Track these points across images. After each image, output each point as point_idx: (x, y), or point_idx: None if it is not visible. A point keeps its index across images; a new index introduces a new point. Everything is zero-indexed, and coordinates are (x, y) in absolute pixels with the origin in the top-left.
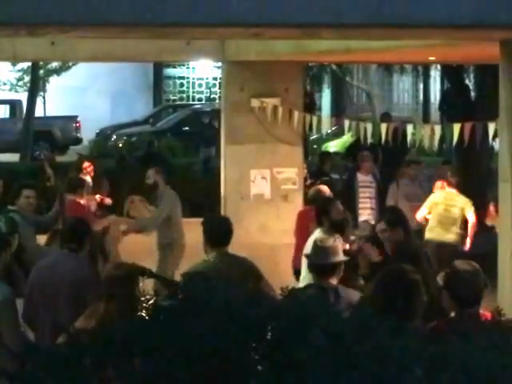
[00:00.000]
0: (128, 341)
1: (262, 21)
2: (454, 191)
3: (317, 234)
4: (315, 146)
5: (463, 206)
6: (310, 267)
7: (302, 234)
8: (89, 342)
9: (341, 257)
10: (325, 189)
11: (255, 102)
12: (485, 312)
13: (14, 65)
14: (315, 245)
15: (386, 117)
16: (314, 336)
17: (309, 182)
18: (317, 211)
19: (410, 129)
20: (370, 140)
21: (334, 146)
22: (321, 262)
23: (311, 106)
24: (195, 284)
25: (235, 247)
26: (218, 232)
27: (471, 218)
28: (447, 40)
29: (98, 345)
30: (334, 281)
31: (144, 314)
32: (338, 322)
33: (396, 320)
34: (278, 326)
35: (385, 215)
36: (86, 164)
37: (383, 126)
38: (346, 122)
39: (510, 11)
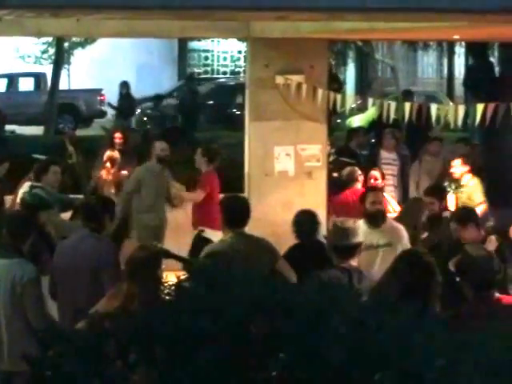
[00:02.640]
0: (151, 327)
1: (287, 4)
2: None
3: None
4: (339, 121)
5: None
6: (332, 248)
7: None
8: (112, 328)
9: (360, 238)
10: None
11: (280, 79)
12: (506, 296)
13: (38, 37)
14: (335, 226)
15: (407, 94)
16: (336, 323)
17: (331, 158)
18: (359, 199)
19: (433, 107)
20: (393, 117)
21: (358, 121)
22: (343, 243)
23: (336, 85)
24: (218, 268)
25: (259, 224)
26: (236, 213)
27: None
28: (471, 23)
29: (121, 331)
30: (354, 262)
31: (167, 298)
32: (360, 308)
33: (415, 304)
34: (301, 313)
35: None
36: (117, 134)
37: (407, 105)
38: (370, 100)
39: None
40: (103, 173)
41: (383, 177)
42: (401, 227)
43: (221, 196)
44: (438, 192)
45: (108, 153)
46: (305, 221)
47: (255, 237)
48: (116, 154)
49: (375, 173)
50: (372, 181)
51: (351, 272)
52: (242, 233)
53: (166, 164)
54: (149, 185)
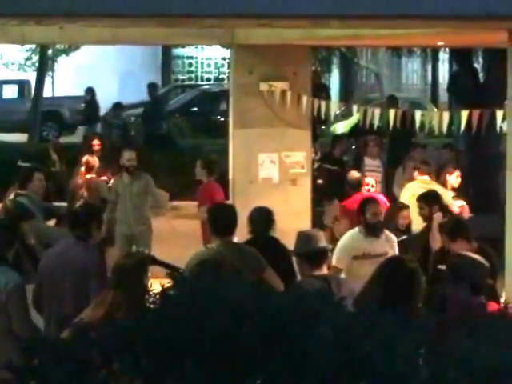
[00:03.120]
0: (135, 336)
1: (270, 11)
2: (427, 179)
3: (352, 232)
4: (323, 127)
5: None
6: (300, 257)
7: None
8: (96, 337)
9: (325, 243)
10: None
11: (264, 86)
12: (491, 302)
13: (22, 44)
14: (300, 234)
15: (391, 99)
16: (322, 332)
17: (316, 165)
18: (358, 208)
19: (418, 114)
20: (377, 124)
21: (342, 128)
22: (309, 248)
23: (324, 94)
24: (204, 276)
25: (244, 230)
26: (223, 221)
27: None
28: (455, 29)
29: (106, 339)
30: (325, 269)
31: (152, 306)
32: (345, 316)
33: (400, 311)
34: (286, 321)
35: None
36: (95, 141)
37: (391, 111)
38: (354, 107)
39: None
40: (78, 177)
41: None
42: (393, 236)
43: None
44: (427, 198)
45: (85, 158)
46: (260, 217)
47: (242, 245)
48: (93, 159)
49: (370, 180)
50: (366, 188)
51: (329, 280)
52: (230, 241)
53: (132, 173)
54: (120, 196)
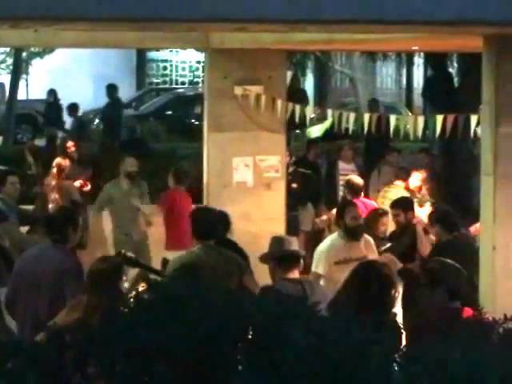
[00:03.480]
0: (109, 340)
1: (245, 16)
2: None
3: (332, 237)
4: (298, 131)
5: None
6: (273, 260)
7: None
8: (70, 341)
9: (297, 246)
10: (357, 181)
11: (238, 90)
12: (466, 308)
13: None
14: (273, 238)
15: (373, 103)
16: (297, 336)
17: (291, 169)
18: (336, 212)
19: (393, 119)
20: (352, 128)
21: (316, 132)
22: (282, 251)
23: (305, 101)
24: (178, 280)
25: None
26: (205, 224)
27: None
28: (431, 34)
29: (79, 343)
30: (297, 273)
31: (126, 310)
32: (319, 321)
33: (374, 316)
34: (259, 325)
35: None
36: (69, 143)
37: (366, 116)
38: (329, 111)
39: (493, 7)
40: (50, 179)
41: None
42: (371, 239)
43: None
44: (402, 204)
45: (57, 160)
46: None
47: (223, 249)
48: (65, 162)
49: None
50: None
51: (303, 283)
52: (210, 245)
53: (134, 180)
54: (117, 201)
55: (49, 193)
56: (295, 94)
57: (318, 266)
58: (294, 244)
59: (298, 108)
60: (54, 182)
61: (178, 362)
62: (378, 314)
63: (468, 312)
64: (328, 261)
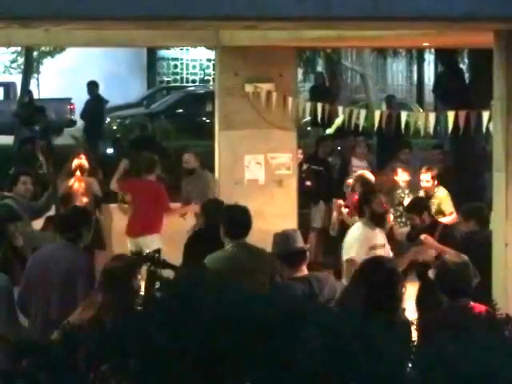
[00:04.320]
0: (122, 338)
1: (255, 14)
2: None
3: (358, 225)
4: (309, 129)
5: None
6: (283, 258)
7: None
8: (84, 340)
9: (302, 243)
10: (369, 176)
11: (249, 88)
12: (478, 304)
13: (7, 47)
14: (276, 235)
15: (391, 99)
16: (309, 334)
17: (304, 166)
18: (359, 201)
19: (404, 115)
20: (362, 125)
21: (328, 129)
22: (286, 249)
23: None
24: (192, 280)
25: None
26: (237, 224)
27: None
28: (441, 30)
29: (93, 342)
30: (305, 270)
31: (140, 309)
32: (332, 318)
33: (385, 313)
34: (273, 324)
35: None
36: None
37: (377, 113)
38: (340, 109)
39: (504, 3)
40: (74, 182)
41: None
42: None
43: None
44: (415, 207)
45: (76, 161)
46: (213, 209)
47: (256, 248)
48: (84, 162)
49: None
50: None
51: (310, 280)
52: (243, 243)
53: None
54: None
55: (74, 195)
56: (322, 93)
57: (350, 252)
58: (299, 239)
59: (308, 105)
60: (77, 184)
61: (191, 360)
62: (386, 311)
63: (480, 308)
64: (364, 246)
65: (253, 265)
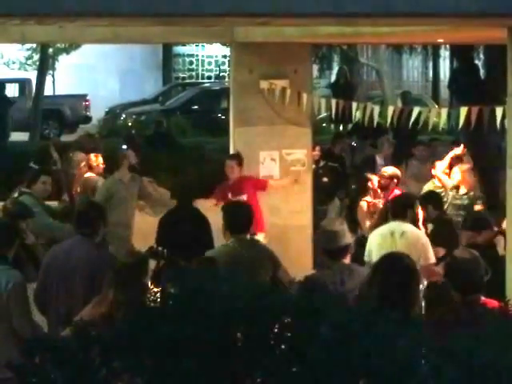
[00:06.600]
0: (135, 334)
1: (269, 10)
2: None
3: (413, 227)
4: (324, 125)
5: None
6: (323, 251)
7: None
8: (96, 335)
9: (349, 238)
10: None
11: (264, 84)
12: (491, 300)
13: (22, 43)
14: (323, 229)
15: (406, 94)
16: (322, 330)
17: (321, 163)
18: (404, 204)
19: (416, 111)
20: (376, 121)
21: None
22: (332, 246)
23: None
24: (204, 274)
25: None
26: (238, 220)
27: None
28: (455, 26)
29: (105, 338)
30: (346, 261)
31: (152, 304)
32: (345, 314)
33: (398, 308)
34: (286, 320)
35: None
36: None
37: (390, 108)
38: (354, 104)
39: None
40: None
41: None
42: None
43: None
44: (428, 199)
45: (93, 157)
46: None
47: (257, 243)
48: (100, 160)
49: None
50: (395, 181)
51: (346, 270)
52: (244, 238)
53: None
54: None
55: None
56: (344, 89)
57: (430, 256)
58: (346, 236)
59: (323, 101)
60: (93, 176)
61: (203, 355)
62: (403, 306)
63: (493, 303)
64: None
65: (254, 260)
